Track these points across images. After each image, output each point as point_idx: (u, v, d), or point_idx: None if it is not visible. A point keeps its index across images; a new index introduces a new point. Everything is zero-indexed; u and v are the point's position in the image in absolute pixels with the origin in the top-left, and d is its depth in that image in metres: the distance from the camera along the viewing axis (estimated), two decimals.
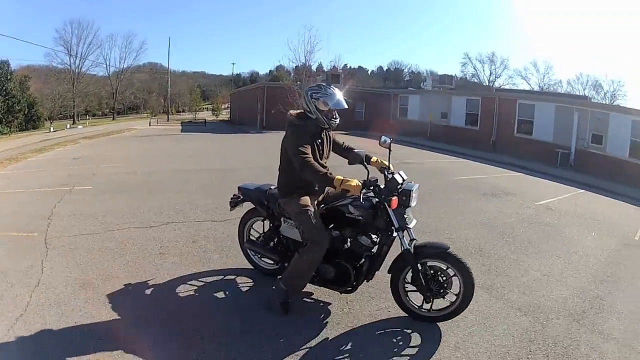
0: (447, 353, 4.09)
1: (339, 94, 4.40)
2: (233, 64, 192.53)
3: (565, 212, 11.33)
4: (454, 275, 4.27)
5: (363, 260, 4.38)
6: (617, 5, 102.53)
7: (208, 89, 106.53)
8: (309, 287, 4.84)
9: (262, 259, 5.35)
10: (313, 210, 4.35)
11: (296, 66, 38.86)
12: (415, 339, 4.31)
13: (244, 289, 5.22)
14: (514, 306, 5.18)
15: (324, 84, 4.53)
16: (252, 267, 5.47)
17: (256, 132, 33.29)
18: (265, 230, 5.20)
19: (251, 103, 42.05)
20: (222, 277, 5.48)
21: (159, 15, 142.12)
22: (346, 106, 4.36)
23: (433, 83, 65.64)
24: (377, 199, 4.25)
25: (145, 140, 27.30)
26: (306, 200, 4.40)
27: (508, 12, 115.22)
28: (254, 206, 5.21)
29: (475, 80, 78.24)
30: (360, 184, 3.99)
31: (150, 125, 52.43)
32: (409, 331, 4.41)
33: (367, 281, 4.55)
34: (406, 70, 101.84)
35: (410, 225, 4.31)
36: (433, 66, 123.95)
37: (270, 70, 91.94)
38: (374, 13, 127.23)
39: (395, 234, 4.27)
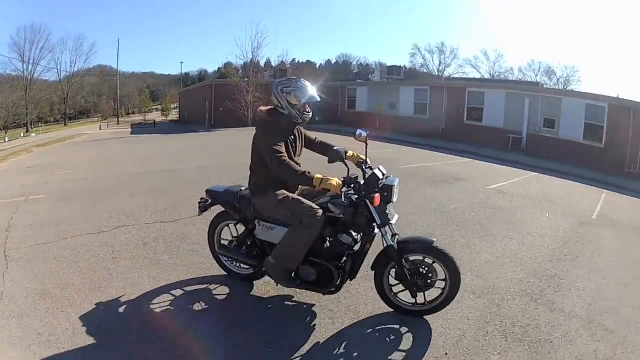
0: (403, 341, 4.02)
1: (310, 87, 4.24)
2: (181, 62, 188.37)
3: (518, 195, 11.40)
4: (440, 268, 4.17)
5: (345, 259, 4.19)
6: None
7: (157, 89, 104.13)
8: (290, 291, 4.71)
9: (235, 264, 5.03)
10: (292, 194, 4.25)
11: (244, 63, 38.53)
12: (366, 329, 4.24)
13: (191, 289, 5.06)
14: (467, 289, 5.04)
15: (294, 77, 4.36)
16: (225, 273, 5.21)
17: (204, 130, 33.00)
18: (238, 234, 4.93)
19: (199, 102, 41.46)
20: (174, 279, 5.31)
21: (108, 16, 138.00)
22: (319, 99, 4.22)
23: (381, 74, 65.60)
24: (357, 196, 4.10)
25: (95, 145, 26.62)
26: (282, 191, 4.24)
27: (459, 2, 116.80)
28: (223, 209, 4.88)
29: (425, 70, 78.96)
30: (340, 183, 3.90)
31: (100, 129, 51.92)
32: (390, 326, 4.31)
33: (350, 280, 4.34)
34: (354, 62, 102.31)
35: (393, 221, 4.20)
36: (382, 58, 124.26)
37: (218, 68, 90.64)
38: (322, 6, 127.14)
39: (377, 230, 4.13)
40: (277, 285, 4.50)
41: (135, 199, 9.45)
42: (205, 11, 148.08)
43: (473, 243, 6.89)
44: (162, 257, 5.96)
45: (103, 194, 10.05)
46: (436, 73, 77.03)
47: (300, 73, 46.81)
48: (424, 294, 4.24)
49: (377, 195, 3.95)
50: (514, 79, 67.43)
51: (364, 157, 4.43)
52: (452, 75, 71.47)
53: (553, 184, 14.61)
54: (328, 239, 4.21)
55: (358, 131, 4.37)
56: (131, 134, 39.15)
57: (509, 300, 4.92)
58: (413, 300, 4.28)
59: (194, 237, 6.64)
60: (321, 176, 3.88)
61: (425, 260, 4.18)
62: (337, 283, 4.20)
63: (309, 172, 3.92)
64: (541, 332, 4.22)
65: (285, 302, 4.66)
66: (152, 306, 4.59)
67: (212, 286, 5.02)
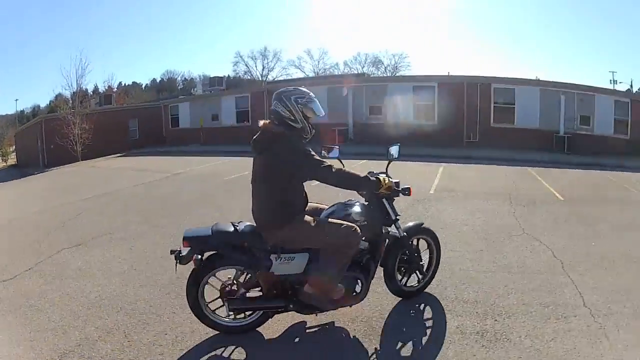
0: None
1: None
2: (16, 100, 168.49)
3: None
4: (428, 244, 4.86)
5: (363, 263, 4.19)
6: None
7: None
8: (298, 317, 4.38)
9: (236, 316, 4.09)
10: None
11: (73, 92, 35.88)
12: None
13: None
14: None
15: (301, 87, 4.08)
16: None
17: (39, 172, 29.74)
18: (225, 282, 4.06)
19: (33, 141, 37.72)
20: None
21: None
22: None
23: (204, 87, 64.93)
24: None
25: None
26: (307, 217, 3.93)
27: (281, 6, 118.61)
28: (199, 260, 3.75)
29: (248, 77, 79.55)
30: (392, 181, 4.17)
31: None
32: None
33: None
34: (179, 78, 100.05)
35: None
36: (206, 70, 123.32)
37: (50, 101, 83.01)
38: (142, 25, 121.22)
39: (392, 226, 4.39)
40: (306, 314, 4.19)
41: None
42: (30, 40, 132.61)
43: None
44: None
45: None
46: (260, 78, 77.84)
47: (126, 97, 44.44)
48: (417, 273, 4.76)
49: (410, 187, 4.31)
50: (339, 73, 71.22)
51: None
52: (276, 79, 72.86)
53: (378, 168, 15.23)
54: None
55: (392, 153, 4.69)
56: None
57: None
58: (417, 280, 4.80)
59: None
60: (382, 177, 4.11)
61: (420, 240, 4.79)
62: (366, 290, 4.20)
63: (365, 175, 4.08)
64: (400, 317, 4.45)
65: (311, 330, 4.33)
66: None
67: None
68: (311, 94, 3.99)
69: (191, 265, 3.79)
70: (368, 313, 4.51)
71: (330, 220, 3.96)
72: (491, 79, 25.41)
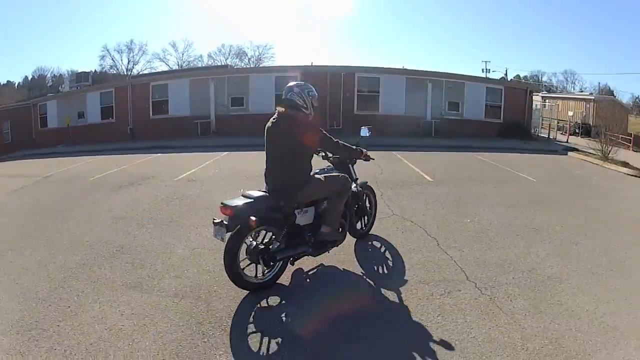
0: None
1: None
2: None
3: (209, 178, 11.70)
4: (368, 197, 6.39)
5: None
6: None
7: None
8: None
9: (257, 273, 4.74)
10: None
11: None
12: None
13: None
14: (169, 294, 4.75)
15: (308, 83, 5.09)
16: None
17: None
18: (263, 240, 4.85)
19: None
20: None
21: None
22: None
23: (70, 83, 60.78)
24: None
25: None
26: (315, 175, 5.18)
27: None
28: (233, 229, 4.43)
29: (114, 72, 75.55)
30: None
31: None
32: None
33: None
34: (49, 75, 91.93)
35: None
36: (74, 65, 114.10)
37: None
38: (13, 19, 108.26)
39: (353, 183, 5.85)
40: (328, 252, 5.28)
41: None
42: None
43: (167, 241, 6.54)
44: None
45: None
46: (125, 72, 74.20)
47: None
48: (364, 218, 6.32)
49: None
50: (203, 65, 69.66)
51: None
52: (141, 72, 69.82)
53: (246, 159, 15.24)
54: None
55: (362, 131, 6.47)
56: None
57: (217, 292, 4.74)
58: (361, 225, 6.29)
59: None
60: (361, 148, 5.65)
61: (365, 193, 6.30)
62: (346, 229, 5.61)
63: (355, 147, 5.53)
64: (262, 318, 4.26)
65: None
66: None
67: None
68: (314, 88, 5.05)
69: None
70: (339, 256, 5.59)
71: (327, 175, 5.25)
72: (355, 69, 26.11)
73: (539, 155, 18.60)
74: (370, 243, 6.21)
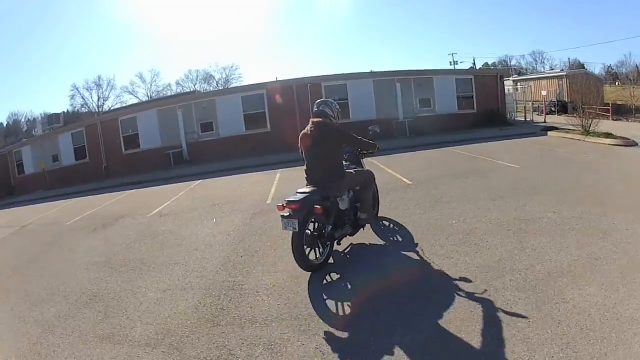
0: None
1: None
2: None
3: (182, 210, 11.33)
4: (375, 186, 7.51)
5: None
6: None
7: None
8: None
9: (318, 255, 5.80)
10: None
11: None
12: None
13: None
14: (141, 343, 4.56)
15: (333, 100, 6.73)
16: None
17: None
18: (314, 228, 5.79)
19: None
20: None
21: None
22: None
23: (43, 126, 60.15)
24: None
25: None
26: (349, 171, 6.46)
27: (109, 30, 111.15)
28: (293, 228, 5.34)
29: (85, 110, 75.00)
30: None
31: None
32: None
33: None
34: (23, 119, 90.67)
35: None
36: (47, 107, 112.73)
37: None
38: None
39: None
40: (363, 229, 6.62)
41: None
42: None
43: (138, 285, 6.31)
44: None
45: None
46: (96, 110, 73.55)
47: None
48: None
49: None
50: (171, 93, 69.59)
51: None
52: (112, 108, 69.20)
53: (220, 185, 14.99)
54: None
55: (370, 129, 7.76)
56: None
57: (189, 337, 4.52)
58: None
59: None
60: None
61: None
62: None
63: (373, 141, 6.50)
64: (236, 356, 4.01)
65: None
66: None
67: None
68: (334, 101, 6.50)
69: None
70: (362, 235, 6.66)
71: (356, 169, 6.66)
72: (321, 78, 25.85)
73: (519, 140, 18.40)
74: (381, 222, 7.51)
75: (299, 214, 5.29)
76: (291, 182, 12.42)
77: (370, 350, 3.77)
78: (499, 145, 16.71)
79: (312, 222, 5.66)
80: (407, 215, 7.81)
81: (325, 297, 4.92)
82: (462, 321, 3.96)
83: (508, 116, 27.32)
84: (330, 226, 5.80)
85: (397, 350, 3.67)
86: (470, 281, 4.77)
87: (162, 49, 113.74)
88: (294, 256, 5.41)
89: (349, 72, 27.97)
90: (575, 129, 17.56)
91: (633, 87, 34.77)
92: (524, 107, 29.92)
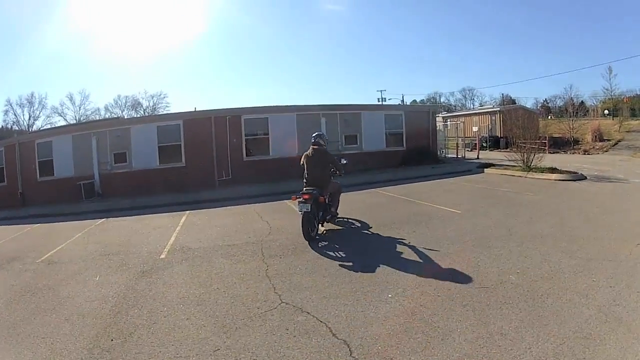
0: None
1: None
2: None
3: (71, 260, 9.42)
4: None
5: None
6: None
7: None
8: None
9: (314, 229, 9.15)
10: None
11: None
12: None
13: None
14: None
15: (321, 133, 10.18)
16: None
17: None
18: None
19: None
20: None
21: None
22: None
23: None
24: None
25: None
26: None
27: (38, 47, 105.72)
28: (306, 209, 8.61)
29: (16, 128, 71.53)
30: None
31: None
32: None
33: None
34: None
35: None
36: None
37: None
38: None
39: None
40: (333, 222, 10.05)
41: None
42: None
43: None
44: None
45: None
46: (27, 129, 69.51)
47: None
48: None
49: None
50: (100, 118, 67.91)
51: None
52: (41, 128, 65.78)
53: (120, 227, 13.32)
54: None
55: (344, 159, 10.83)
56: None
57: None
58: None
59: None
60: None
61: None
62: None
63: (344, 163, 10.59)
64: None
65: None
66: None
67: None
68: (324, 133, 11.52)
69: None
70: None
71: (334, 181, 9.99)
72: (241, 110, 24.33)
73: (454, 179, 17.72)
74: (341, 218, 10.50)
75: (310, 201, 8.60)
76: (194, 230, 11.54)
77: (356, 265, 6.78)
78: (434, 186, 15.99)
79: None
80: (326, 293, 5.88)
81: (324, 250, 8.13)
82: None
83: (439, 153, 27.08)
84: (321, 212, 9.35)
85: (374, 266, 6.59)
86: None
87: (94, 70, 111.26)
88: (302, 230, 8.66)
89: (272, 104, 26.63)
90: (515, 164, 17.23)
91: (572, 120, 36.12)
92: (456, 143, 30.00)
